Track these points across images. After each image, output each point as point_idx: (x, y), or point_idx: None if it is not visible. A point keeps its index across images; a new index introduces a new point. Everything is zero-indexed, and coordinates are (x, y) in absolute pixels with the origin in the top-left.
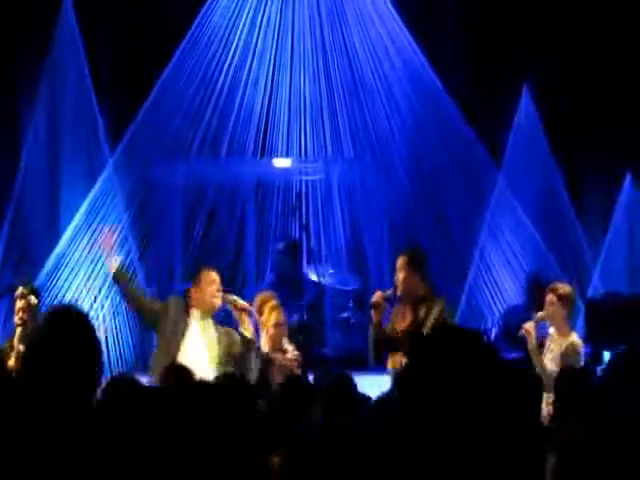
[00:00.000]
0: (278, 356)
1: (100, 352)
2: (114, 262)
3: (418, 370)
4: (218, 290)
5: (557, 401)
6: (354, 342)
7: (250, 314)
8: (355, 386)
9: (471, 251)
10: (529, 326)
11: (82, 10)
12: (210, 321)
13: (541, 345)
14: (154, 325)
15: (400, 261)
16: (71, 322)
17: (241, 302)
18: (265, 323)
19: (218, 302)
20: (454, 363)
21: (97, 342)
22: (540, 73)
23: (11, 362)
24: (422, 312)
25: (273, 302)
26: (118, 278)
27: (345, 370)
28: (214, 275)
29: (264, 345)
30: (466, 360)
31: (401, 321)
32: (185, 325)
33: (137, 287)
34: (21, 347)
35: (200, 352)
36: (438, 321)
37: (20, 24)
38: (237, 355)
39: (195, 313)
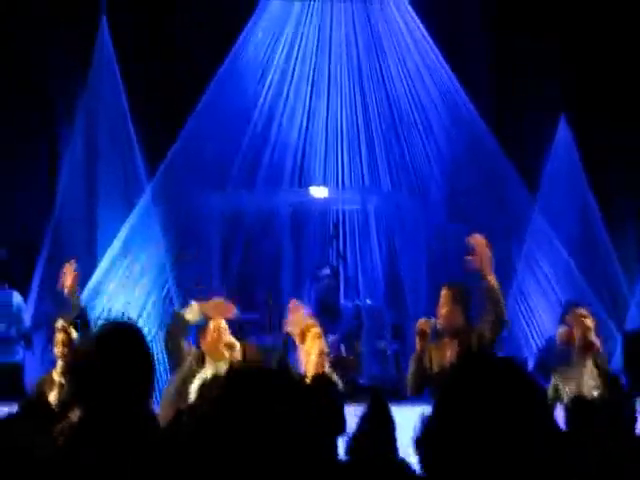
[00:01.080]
0: None
1: (153, 364)
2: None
3: (453, 396)
4: (220, 335)
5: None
6: (390, 372)
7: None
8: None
9: (508, 281)
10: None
11: (119, 40)
12: (224, 365)
13: None
14: (175, 366)
15: (444, 294)
16: (125, 334)
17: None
18: (308, 350)
19: (222, 350)
20: (489, 389)
21: (150, 355)
22: (577, 103)
23: (52, 396)
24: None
25: (316, 329)
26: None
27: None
28: (217, 322)
29: (308, 372)
30: (502, 386)
31: (442, 356)
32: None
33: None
34: (62, 380)
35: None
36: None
37: (58, 51)
38: None
39: (208, 358)
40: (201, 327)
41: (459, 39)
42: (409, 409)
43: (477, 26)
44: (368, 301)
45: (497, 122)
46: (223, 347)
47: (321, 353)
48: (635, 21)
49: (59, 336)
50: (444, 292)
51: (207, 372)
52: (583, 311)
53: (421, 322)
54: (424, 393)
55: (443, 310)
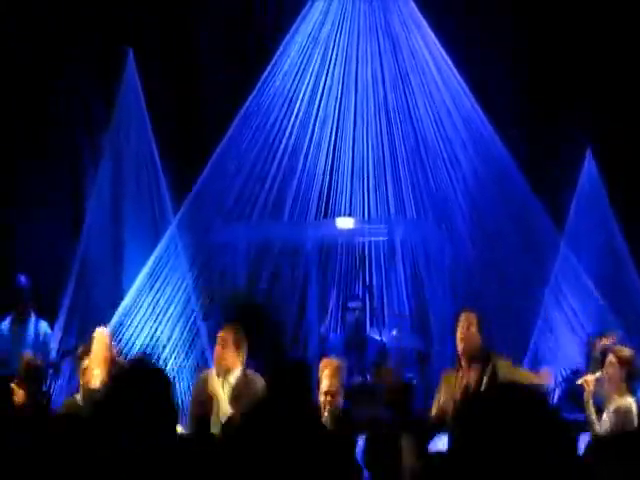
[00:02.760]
0: None
1: (175, 407)
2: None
3: (474, 427)
4: (224, 347)
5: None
6: (416, 403)
7: None
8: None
9: (534, 314)
10: (590, 378)
11: (145, 72)
12: (231, 377)
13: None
14: None
15: (464, 319)
16: (148, 375)
17: None
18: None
19: (223, 362)
20: (510, 419)
21: (173, 397)
22: (604, 136)
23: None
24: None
25: (327, 369)
26: None
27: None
28: (221, 334)
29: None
30: (523, 416)
31: (465, 382)
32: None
33: None
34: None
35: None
36: (491, 379)
37: (84, 82)
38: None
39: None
40: None
41: (487, 71)
42: (436, 438)
43: (507, 59)
44: (394, 332)
45: (523, 155)
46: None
47: (325, 392)
48: None
49: (85, 363)
50: (464, 316)
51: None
52: (588, 378)
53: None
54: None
55: (461, 334)
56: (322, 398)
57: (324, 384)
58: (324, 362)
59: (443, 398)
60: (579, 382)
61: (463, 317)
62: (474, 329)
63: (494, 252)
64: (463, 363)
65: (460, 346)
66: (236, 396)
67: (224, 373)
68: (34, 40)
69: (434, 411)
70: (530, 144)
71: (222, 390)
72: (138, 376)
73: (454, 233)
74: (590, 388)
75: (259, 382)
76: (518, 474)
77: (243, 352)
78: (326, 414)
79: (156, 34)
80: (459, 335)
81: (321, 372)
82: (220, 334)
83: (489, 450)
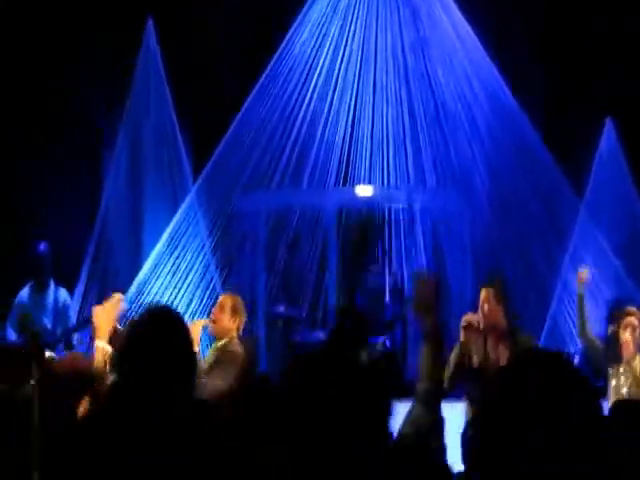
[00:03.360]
0: None
1: (193, 350)
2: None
3: (507, 392)
4: (220, 312)
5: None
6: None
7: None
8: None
9: (553, 280)
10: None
11: (164, 40)
12: (219, 342)
13: None
14: None
15: (484, 294)
16: (169, 320)
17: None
18: None
19: (217, 325)
20: (542, 381)
21: (190, 340)
22: (624, 105)
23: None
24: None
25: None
26: None
27: None
28: (220, 299)
29: None
30: (554, 379)
31: (486, 354)
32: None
33: None
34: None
35: None
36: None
37: (103, 53)
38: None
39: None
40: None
41: (506, 38)
42: (452, 405)
43: (524, 26)
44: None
45: (544, 123)
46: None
47: None
48: None
49: None
50: (484, 291)
51: None
52: (632, 310)
53: (467, 315)
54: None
55: (485, 308)
56: None
57: None
58: None
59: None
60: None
61: (482, 292)
62: (493, 303)
63: (514, 220)
64: (486, 337)
65: (482, 322)
66: (215, 361)
67: (216, 337)
68: (53, 9)
69: (452, 372)
70: (550, 112)
71: (209, 352)
72: (157, 320)
73: (474, 201)
74: (582, 280)
75: (239, 354)
76: (548, 435)
77: (239, 319)
78: None
79: (175, 3)
80: (480, 310)
81: None
82: (220, 299)
83: (520, 412)
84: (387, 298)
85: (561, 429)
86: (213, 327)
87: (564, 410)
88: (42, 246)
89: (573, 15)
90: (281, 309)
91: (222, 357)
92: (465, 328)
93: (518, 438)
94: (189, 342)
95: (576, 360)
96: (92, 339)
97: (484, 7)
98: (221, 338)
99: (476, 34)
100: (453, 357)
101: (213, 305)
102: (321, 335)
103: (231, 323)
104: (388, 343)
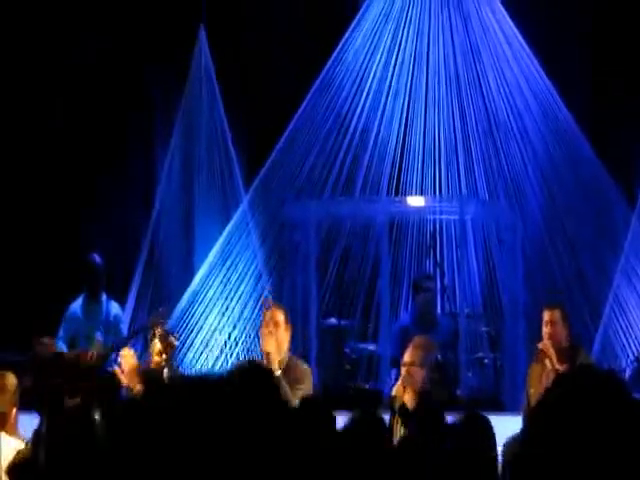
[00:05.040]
0: None
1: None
2: None
3: (555, 408)
4: (277, 327)
5: None
6: (488, 383)
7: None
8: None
9: (605, 291)
10: None
11: (217, 50)
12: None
13: None
14: None
15: (552, 315)
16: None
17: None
18: None
19: (263, 344)
20: (592, 403)
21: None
22: None
23: None
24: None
25: (411, 343)
26: None
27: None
28: (271, 313)
29: None
30: (604, 400)
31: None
32: None
33: None
34: None
35: None
36: None
37: (157, 60)
38: None
39: None
40: None
41: (558, 46)
42: (508, 419)
43: (574, 32)
44: (466, 310)
45: (595, 131)
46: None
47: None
48: None
49: (159, 345)
50: (552, 313)
51: None
52: None
53: (543, 343)
54: None
55: (552, 329)
56: (402, 368)
57: (405, 356)
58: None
59: (534, 392)
60: None
61: (546, 316)
62: (560, 326)
63: (566, 232)
64: (549, 360)
65: (547, 343)
66: (294, 380)
67: (268, 351)
68: (107, 18)
69: (528, 406)
70: (602, 121)
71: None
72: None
73: (526, 213)
74: None
75: (308, 368)
76: (597, 458)
77: (289, 334)
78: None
79: (227, 10)
80: (545, 333)
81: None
82: (271, 313)
83: (569, 432)
84: (439, 314)
85: (606, 453)
86: (267, 342)
87: (610, 434)
88: (95, 258)
89: (625, 23)
90: (332, 320)
91: (299, 375)
92: (542, 352)
93: (562, 460)
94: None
95: (627, 373)
96: (144, 349)
97: (536, 14)
98: (273, 352)
99: (528, 42)
100: (534, 377)
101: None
102: (371, 347)
103: (287, 336)
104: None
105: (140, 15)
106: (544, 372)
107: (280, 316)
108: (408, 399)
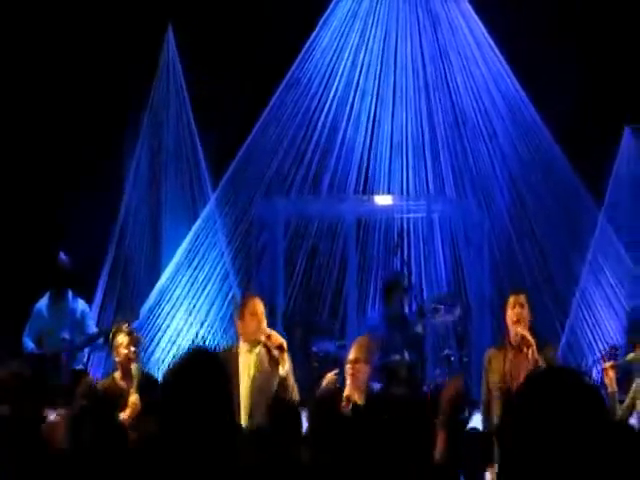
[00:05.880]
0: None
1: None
2: None
3: (524, 408)
4: (260, 322)
5: None
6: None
7: (282, 350)
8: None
9: (572, 289)
10: (609, 366)
11: (184, 49)
12: (257, 351)
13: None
14: None
15: (520, 298)
16: (209, 365)
17: (276, 338)
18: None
19: (260, 335)
20: (561, 403)
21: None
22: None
23: (133, 399)
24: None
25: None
26: None
27: None
28: (257, 306)
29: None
30: (573, 402)
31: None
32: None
33: None
34: (124, 385)
35: (245, 385)
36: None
37: (124, 60)
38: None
39: (242, 345)
40: (240, 307)
41: (525, 47)
42: (475, 415)
43: (546, 32)
44: (434, 306)
45: (563, 132)
46: (259, 331)
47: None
48: None
49: (126, 339)
50: (516, 295)
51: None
52: (608, 366)
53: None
54: None
55: (515, 316)
56: (346, 366)
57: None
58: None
59: (492, 380)
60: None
61: (513, 299)
62: (527, 310)
63: (533, 230)
64: (530, 349)
65: (515, 327)
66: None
67: (252, 345)
68: (75, 16)
69: (484, 394)
70: (569, 122)
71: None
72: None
73: (493, 211)
74: (612, 377)
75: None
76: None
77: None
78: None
79: (195, 8)
80: (512, 317)
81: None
82: (256, 308)
83: (545, 430)
84: (407, 313)
85: (571, 448)
86: (245, 332)
87: (575, 429)
88: (61, 256)
89: (591, 24)
90: (299, 319)
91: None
92: (524, 339)
93: (532, 457)
94: (230, 390)
95: (594, 372)
96: (110, 347)
97: (503, 16)
98: (252, 340)
99: (495, 42)
100: (496, 364)
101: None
102: (338, 345)
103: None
104: (407, 355)
105: (106, 15)
106: (507, 358)
107: (259, 305)
108: (357, 397)
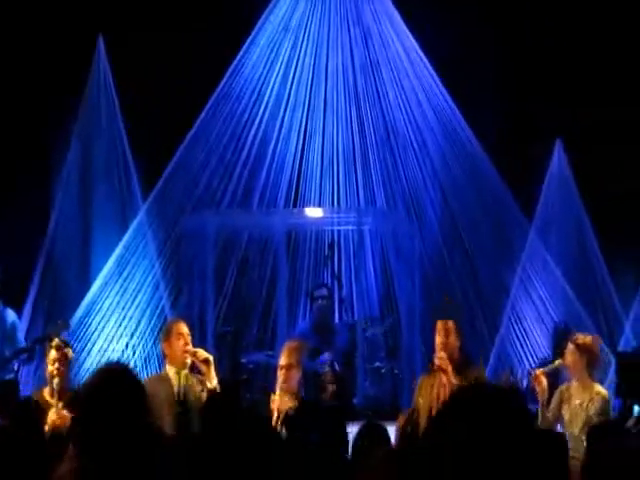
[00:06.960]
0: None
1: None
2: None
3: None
4: (186, 343)
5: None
6: (385, 392)
7: (209, 364)
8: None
9: (502, 302)
10: (540, 372)
11: (115, 61)
12: (184, 374)
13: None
14: None
15: (446, 324)
16: (123, 380)
17: (201, 353)
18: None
19: (187, 356)
20: (486, 422)
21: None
22: (573, 128)
23: (52, 416)
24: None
25: (285, 347)
26: None
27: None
28: (182, 328)
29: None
30: (498, 420)
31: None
32: (165, 393)
33: None
34: (53, 400)
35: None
36: None
37: (54, 71)
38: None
39: (169, 369)
40: (164, 331)
41: (457, 60)
42: None
43: (477, 47)
44: (363, 320)
45: (493, 145)
46: (185, 352)
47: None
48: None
49: (55, 354)
50: (445, 323)
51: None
52: (539, 372)
53: (439, 358)
54: None
55: (448, 340)
56: (278, 372)
57: (280, 360)
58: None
59: (424, 403)
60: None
61: (440, 326)
62: (453, 337)
63: (464, 242)
64: (445, 375)
65: (440, 354)
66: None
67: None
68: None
69: (403, 419)
70: (500, 134)
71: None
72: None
73: (424, 223)
74: (543, 383)
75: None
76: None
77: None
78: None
79: (125, 19)
80: (438, 344)
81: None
82: (182, 328)
83: (469, 445)
84: (337, 323)
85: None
86: (172, 355)
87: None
88: None
89: (521, 39)
90: (229, 330)
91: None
92: (438, 367)
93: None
94: (145, 405)
95: (524, 383)
96: (41, 359)
97: (436, 29)
98: (178, 364)
99: (427, 57)
100: (424, 387)
101: (161, 327)
102: (268, 356)
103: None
104: (337, 367)
105: (37, 25)
106: (435, 383)
107: (184, 328)
108: (288, 401)
